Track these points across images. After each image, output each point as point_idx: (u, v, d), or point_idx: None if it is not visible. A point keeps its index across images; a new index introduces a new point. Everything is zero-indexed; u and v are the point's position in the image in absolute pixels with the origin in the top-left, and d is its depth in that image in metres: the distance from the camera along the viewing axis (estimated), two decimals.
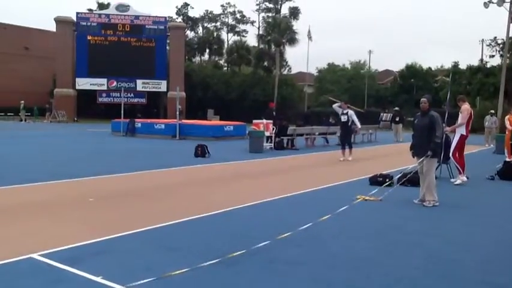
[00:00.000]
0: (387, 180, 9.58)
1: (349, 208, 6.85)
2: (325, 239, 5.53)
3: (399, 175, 9.61)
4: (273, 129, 18.26)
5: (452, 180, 10.49)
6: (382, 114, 39.78)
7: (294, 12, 52.82)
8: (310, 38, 37.67)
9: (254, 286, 4.05)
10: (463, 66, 44.37)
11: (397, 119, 25.91)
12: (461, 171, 10.30)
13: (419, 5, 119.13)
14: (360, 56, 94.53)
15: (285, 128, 18.67)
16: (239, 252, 4.75)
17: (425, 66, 52.38)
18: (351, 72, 59.92)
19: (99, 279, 4.01)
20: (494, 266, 4.80)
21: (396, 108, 28.10)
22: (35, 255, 4.60)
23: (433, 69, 54.48)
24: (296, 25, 51.21)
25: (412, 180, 9.16)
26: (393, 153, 17.97)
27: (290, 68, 61.11)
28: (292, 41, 48.93)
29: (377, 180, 9.68)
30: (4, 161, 12.65)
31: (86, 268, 4.25)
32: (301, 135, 19.80)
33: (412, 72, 50.99)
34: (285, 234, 5.40)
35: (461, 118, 10.28)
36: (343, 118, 14.48)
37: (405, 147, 9.61)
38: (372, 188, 8.70)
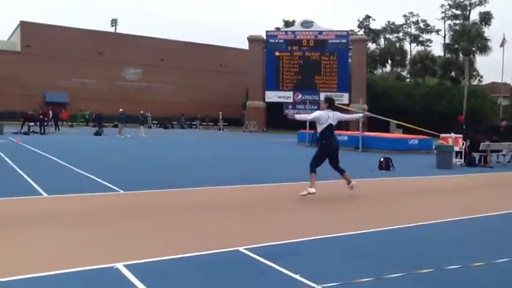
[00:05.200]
0: None
1: None
2: None
3: None
4: (463, 144, 17.12)
5: None
6: None
7: (485, 18, 48.43)
8: (504, 43, 33.84)
9: None
10: None
11: None
12: None
13: None
14: None
15: (478, 143, 17.32)
16: (427, 270, 4.72)
17: None
18: None
19: (297, 276, 4.43)
20: None
21: None
22: (241, 249, 5.28)
23: None
24: (488, 31, 46.84)
25: None
26: None
27: (481, 78, 56.01)
28: (484, 49, 44.90)
29: None
30: (199, 164, 14.51)
31: (284, 264, 4.71)
32: (497, 151, 18.09)
33: None
34: (479, 259, 5.17)
35: None
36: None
37: None
38: None
